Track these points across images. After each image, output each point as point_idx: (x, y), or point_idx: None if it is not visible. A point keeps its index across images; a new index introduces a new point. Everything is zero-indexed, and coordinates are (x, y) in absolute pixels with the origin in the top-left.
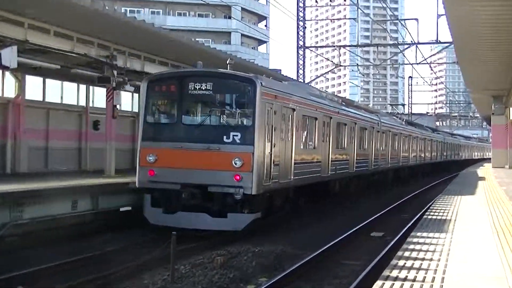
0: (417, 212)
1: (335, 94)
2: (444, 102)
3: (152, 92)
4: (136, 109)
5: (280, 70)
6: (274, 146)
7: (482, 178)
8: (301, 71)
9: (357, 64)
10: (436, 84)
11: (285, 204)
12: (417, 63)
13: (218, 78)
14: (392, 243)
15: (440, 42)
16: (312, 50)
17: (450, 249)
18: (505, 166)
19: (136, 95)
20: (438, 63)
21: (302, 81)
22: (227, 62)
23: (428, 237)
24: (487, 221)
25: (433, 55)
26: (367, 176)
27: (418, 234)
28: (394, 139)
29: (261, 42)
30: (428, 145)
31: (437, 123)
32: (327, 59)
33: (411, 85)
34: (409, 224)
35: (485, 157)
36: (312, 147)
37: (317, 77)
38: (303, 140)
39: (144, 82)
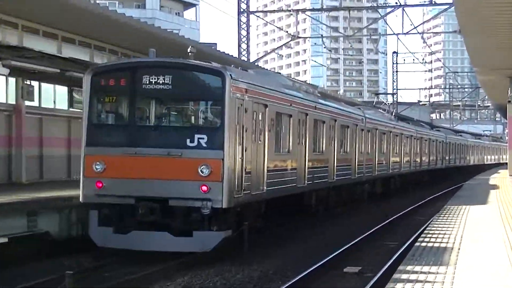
0: (408, 236)
1: (303, 81)
2: (442, 87)
3: (98, 87)
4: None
5: (215, 44)
6: (245, 151)
7: (495, 191)
8: (244, 46)
9: (322, 35)
10: (431, 62)
11: (256, 221)
12: (405, 33)
13: (179, 69)
14: (372, 283)
15: (436, 4)
16: (259, 17)
17: None
18: None
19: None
20: (433, 33)
21: (245, 58)
22: (189, 50)
23: (421, 273)
24: (503, 250)
25: (427, 21)
26: (349, 187)
27: (408, 268)
28: (382, 140)
29: (188, 5)
30: (425, 146)
31: (433, 116)
32: (280, 29)
33: (397, 63)
34: (397, 254)
35: (501, 161)
36: (286, 151)
37: (267, 53)
38: (277, 142)
39: (87, 75)
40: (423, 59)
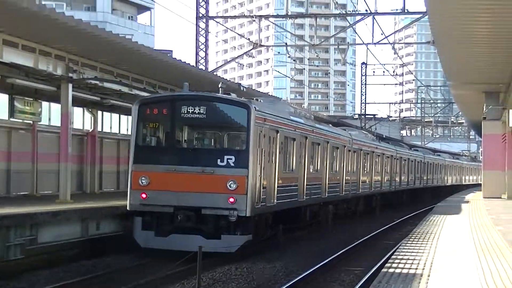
0: (375, 261)
1: (301, 107)
2: (414, 102)
3: (144, 115)
4: None
5: (171, 51)
6: (263, 169)
7: (468, 214)
8: (202, 53)
9: (286, 44)
10: (402, 74)
11: (267, 228)
12: (375, 43)
13: (212, 102)
14: None
15: (408, 12)
16: (218, 23)
17: None
18: (502, 196)
19: None
20: (405, 44)
21: (204, 67)
22: (219, 86)
23: None
24: (475, 277)
25: (398, 31)
26: (337, 203)
27: None
28: (365, 160)
29: (142, 9)
30: (404, 166)
31: (403, 132)
32: (241, 36)
33: (366, 75)
34: (362, 281)
35: (479, 181)
36: (291, 170)
37: (226, 62)
38: (284, 162)
39: (135, 105)
40: (394, 71)
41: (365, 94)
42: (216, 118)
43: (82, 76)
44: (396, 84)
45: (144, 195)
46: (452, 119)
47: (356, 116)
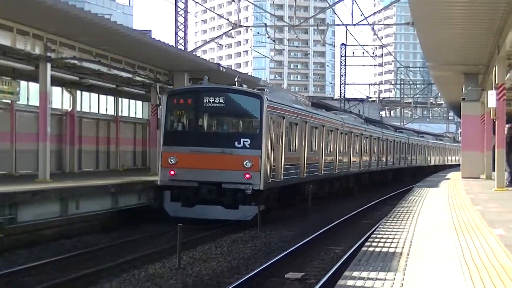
0: (355, 240)
1: (300, 94)
2: (393, 83)
3: (171, 104)
4: None
5: (150, 31)
6: (272, 150)
7: (447, 193)
8: (181, 34)
9: (265, 24)
10: (382, 55)
11: (275, 201)
12: (354, 24)
13: (230, 93)
14: None
15: None
16: (198, 3)
17: None
18: (481, 176)
19: None
20: (384, 25)
21: (183, 48)
22: (236, 79)
23: (368, 279)
24: (455, 257)
25: (378, 12)
26: (331, 181)
27: (355, 274)
28: (355, 141)
29: None
30: (390, 147)
31: (382, 113)
32: (221, 16)
33: (345, 56)
34: (342, 259)
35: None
36: (294, 151)
37: (206, 42)
38: (289, 144)
39: (164, 96)
40: (373, 53)
41: (345, 75)
42: (234, 107)
43: (60, 55)
44: (376, 65)
45: (172, 172)
46: (431, 100)
47: (336, 97)
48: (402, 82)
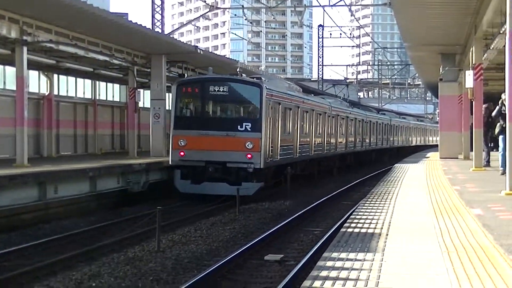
0: (334, 221)
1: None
2: (371, 64)
3: (181, 92)
4: None
5: (127, 14)
6: (270, 133)
7: (425, 173)
8: (158, 16)
9: (243, 6)
10: (359, 36)
11: (272, 178)
12: (331, 5)
13: (233, 82)
14: (295, 271)
15: None
16: None
17: (379, 278)
18: (459, 156)
19: None
20: (361, 6)
21: (160, 30)
22: (237, 70)
23: (348, 260)
24: (433, 235)
25: None
26: (320, 160)
27: (334, 255)
28: (341, 124)
29: None
30: (373, 128)
31: (361, 94)
32: None
33: (323, 38)
34: (321, 241)
35: None
36: (288, 133)
37: (183, 25)
38: (284, 127)
39: (174, 85)
40: (350, 34)
41: (322, 56)
42: (236, 94)
43: (37, 39)
44: (353, 46)
45: (182, 153)
46: (409, 81)
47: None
48: (380, 63)
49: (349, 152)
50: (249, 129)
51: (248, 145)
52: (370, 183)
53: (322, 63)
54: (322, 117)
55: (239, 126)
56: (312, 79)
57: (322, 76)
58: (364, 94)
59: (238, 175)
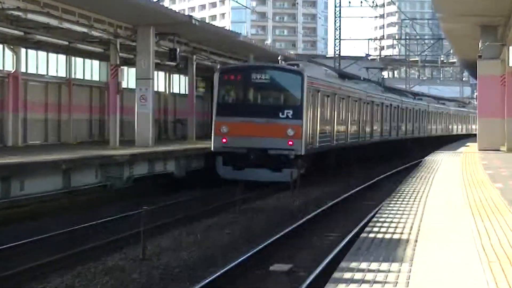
0: (354, 225)
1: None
2: (397, 37)
3: (223, 80)
4: None
5: None
6: (311, 120)
7: (461, 169)
8: None
9: None
10: (383, 6)
11: (311, 165)
12: None
13: (274, 70)
14: (306, 285)
15: None
16: None
17: None
18: (501, 148)
19: None
20: None
21: None
22: (279, 58)
23: (369, 271)
24: (471, 244)
25: None
26: (357, 148)
27: (353, 265)
28: (377, 110)
29: None
30: (409, 115)
31: (384, 74)
32: None
33: (340, 7)
34: (338, 249)
35: None
36: (326, 120)
37: None
38: (322, 115)
39: (216, 73)
40: (373, 2)
41: (339, 29)
42: (278, 82)
43: (2, 6)
44: (376, 17)
45: (224, 140)
46: (441, 58)
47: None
48: (407, 37)
49: (384, 140)
50: (290, 117)
51: (289, 132)
52: (398, 178)
53: (340, 37)
54: (357, 103)
55: (280, 114)
56: (327, 56)
57: (340, 52)
58: (388, 74)
59: (279, 161)
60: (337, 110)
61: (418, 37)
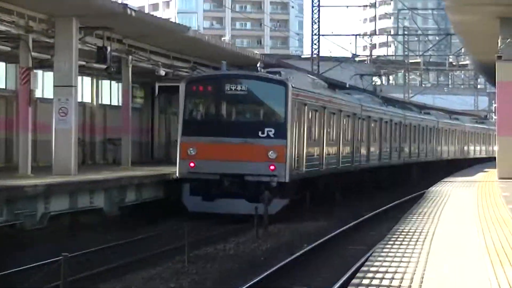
0: (334, 276)
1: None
2: (392, 33)
3: (190, 91)
4: None
5: None
6: (296, 140)
7: (476, 203)
8: None
9: None
10: None
11: (296, 195)
12: None
13: (253, 80)
14: None
15: None
16: None
17: None
18: None
19: None
20: None
21: None
22: (258, 65)
23: None
24: None
25: None
26: (351, 175)
27: None
28: (374, 128)
29: None
30: (414, 133)
31: (377, 80)
32: None
33: None
34: None
35: None
36: (314, 141)
37: None
38: (310, 134)
39: (182, 83)
40: None
41: (318, 21)
42: (257, 94)
43: None
44: (366, 6)
45: (192, 164)
46: (450, 60)
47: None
48: (406, 33)
49: (383, 165)
50: (272, 136)
51: (271, 155)
52: (398, 213)
53: (319, 32)
54: (351, 119)
55: (260, 132)
56: (302, 56)
57: (319, 51)
58: (382, 80)
59: (259, 190)
60: (327, 128)
61: (419, 32)
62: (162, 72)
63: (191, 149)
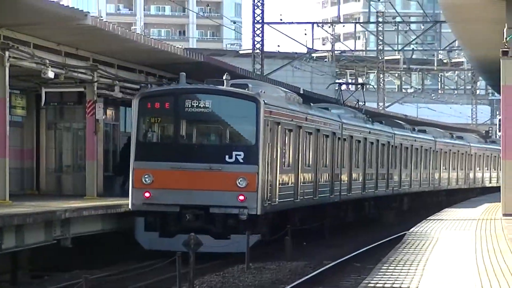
0: None
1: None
2: (362, 20)
3: (145, 109)
4: None
5: None
6: (269, 165)
7: (477, 245)
8: None
9: None
10: None
11: (269, 229)
12: None
13: (218, 95)
14: None
15: None
16: None
17: None
18: None
19: None
20: None
21: None
22: (224, 78)
23: None
24: None
25: None
26: (330, 208)
27: None
28: (357, 150)
29: None
30: (406, 157)
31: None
32: None
33: None
34: None
35: None
36: (288, 166)
37: None
38: (283, 158)
39: (135, 99)
40: None
41: (262, 5)
42: (223, 112)
43: None
44: None
45: (147, 194)
46: (440, 57)
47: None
48: (380, 20)
49: (368, 197)
50: (242, 161)
51: (240, 183)
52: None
53: (262, 19)
54: (330, 140)
55: (227, 156)
56: (241, 51)
57: (262, 45)
58: (348, 85)
59: (226, 224)
60: (303, 151)
61: (398, 19)
62: (51, 74)
63: (146, 176)
